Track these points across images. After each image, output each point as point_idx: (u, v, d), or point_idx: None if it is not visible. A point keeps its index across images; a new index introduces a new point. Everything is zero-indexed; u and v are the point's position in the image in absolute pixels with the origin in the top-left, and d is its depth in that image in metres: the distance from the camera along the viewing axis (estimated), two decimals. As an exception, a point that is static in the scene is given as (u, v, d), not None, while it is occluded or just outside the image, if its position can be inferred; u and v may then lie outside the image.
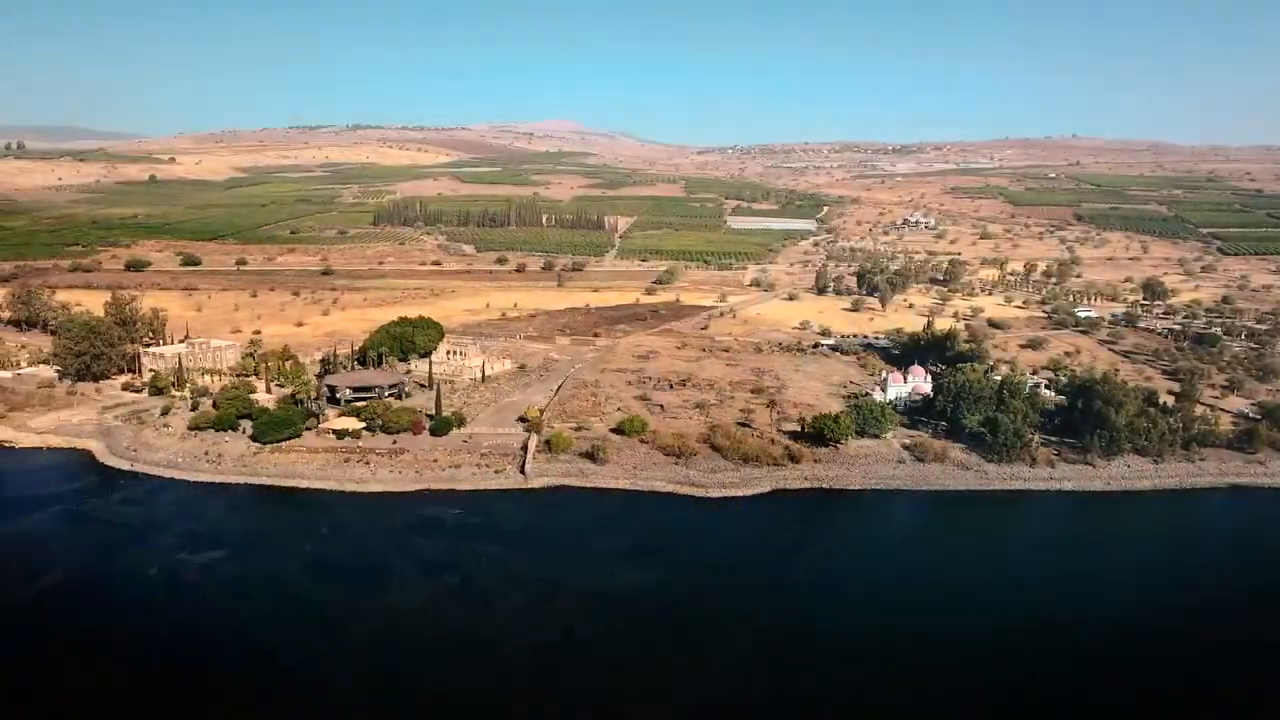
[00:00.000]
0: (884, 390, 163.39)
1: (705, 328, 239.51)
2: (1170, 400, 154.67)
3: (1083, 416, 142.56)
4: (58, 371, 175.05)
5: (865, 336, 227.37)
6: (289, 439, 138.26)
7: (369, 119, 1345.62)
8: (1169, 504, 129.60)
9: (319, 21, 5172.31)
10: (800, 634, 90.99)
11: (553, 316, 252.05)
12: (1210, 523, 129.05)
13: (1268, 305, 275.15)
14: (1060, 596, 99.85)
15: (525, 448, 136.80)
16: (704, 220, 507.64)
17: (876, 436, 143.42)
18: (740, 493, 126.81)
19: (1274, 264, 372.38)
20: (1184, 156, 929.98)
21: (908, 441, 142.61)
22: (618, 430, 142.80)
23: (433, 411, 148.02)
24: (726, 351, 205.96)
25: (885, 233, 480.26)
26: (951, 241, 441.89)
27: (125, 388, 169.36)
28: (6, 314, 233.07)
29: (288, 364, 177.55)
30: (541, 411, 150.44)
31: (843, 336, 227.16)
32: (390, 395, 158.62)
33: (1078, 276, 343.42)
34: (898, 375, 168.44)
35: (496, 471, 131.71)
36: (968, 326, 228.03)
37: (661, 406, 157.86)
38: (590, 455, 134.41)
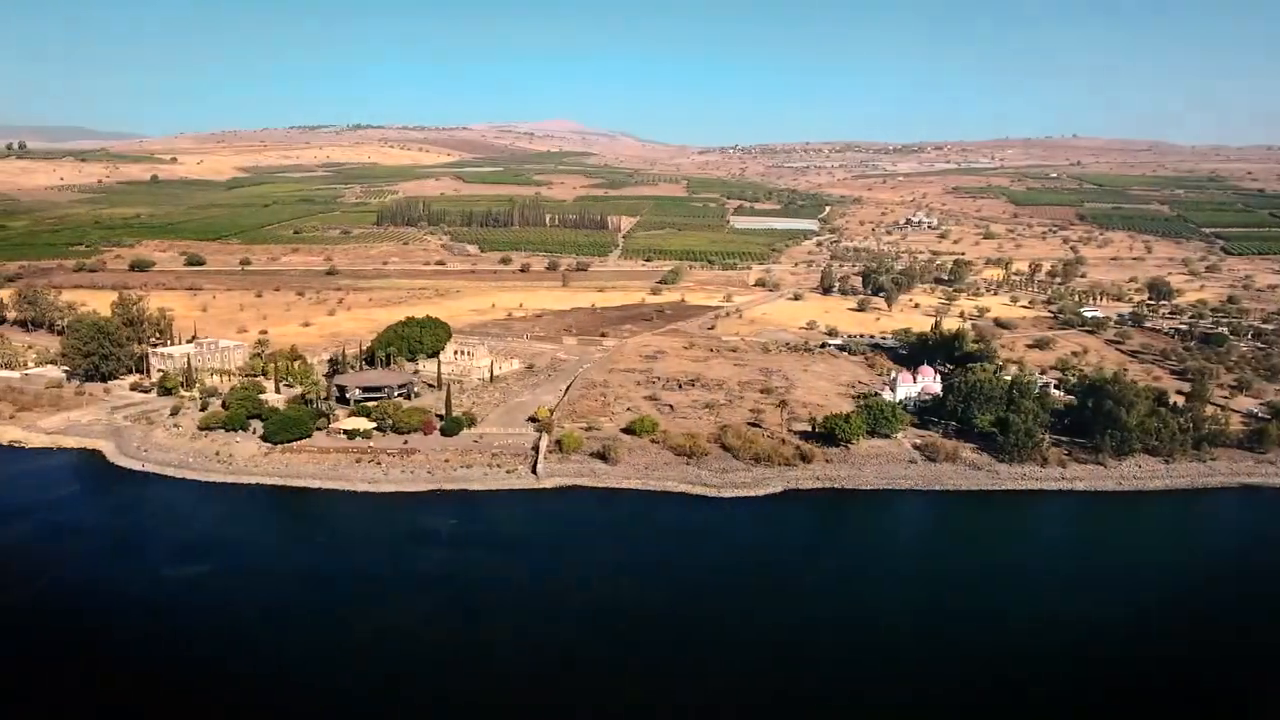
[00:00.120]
0: (893, 390, 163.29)
1: (712, 328, 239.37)
2: (1180, 400, 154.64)
3: (1093, 416, 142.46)
4: (66, 372, 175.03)
5: (872, 336, 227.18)
6: (300, 439, 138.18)
7: (370, 119, 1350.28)
8: (1181, 504, 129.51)
9: (319, 21, 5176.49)
10: (829, 632, 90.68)
11: (558, 316, 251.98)
12: (1222, 523, 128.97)
13: (1273, 305, 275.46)
14: (1073, 596, 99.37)
15: (536, 448, 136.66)
16: (707, 220, 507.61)
17: (887, 436, 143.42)
18: (753, 493, 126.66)
19: (1278, 264, 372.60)
20: (1185, 156, 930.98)
21: (918, 441, 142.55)
22: (628, 430, 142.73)
23: (443, 412, 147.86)
24: (734, 351, 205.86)
25: (888, 232, 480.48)
26: (955, 241, 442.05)
27: (134, 388, 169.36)
28: (12, 314, 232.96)
29: (296, 364, 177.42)
30: (551, 411, 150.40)
31: (850, 336, 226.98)
32: (399, 395, 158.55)
33: (1082, 276, 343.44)
34: (907, 375, 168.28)
35: (509, 472, 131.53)
36: (975, 326, 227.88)
37: (671, 406, 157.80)
38: (602, 455, 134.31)
